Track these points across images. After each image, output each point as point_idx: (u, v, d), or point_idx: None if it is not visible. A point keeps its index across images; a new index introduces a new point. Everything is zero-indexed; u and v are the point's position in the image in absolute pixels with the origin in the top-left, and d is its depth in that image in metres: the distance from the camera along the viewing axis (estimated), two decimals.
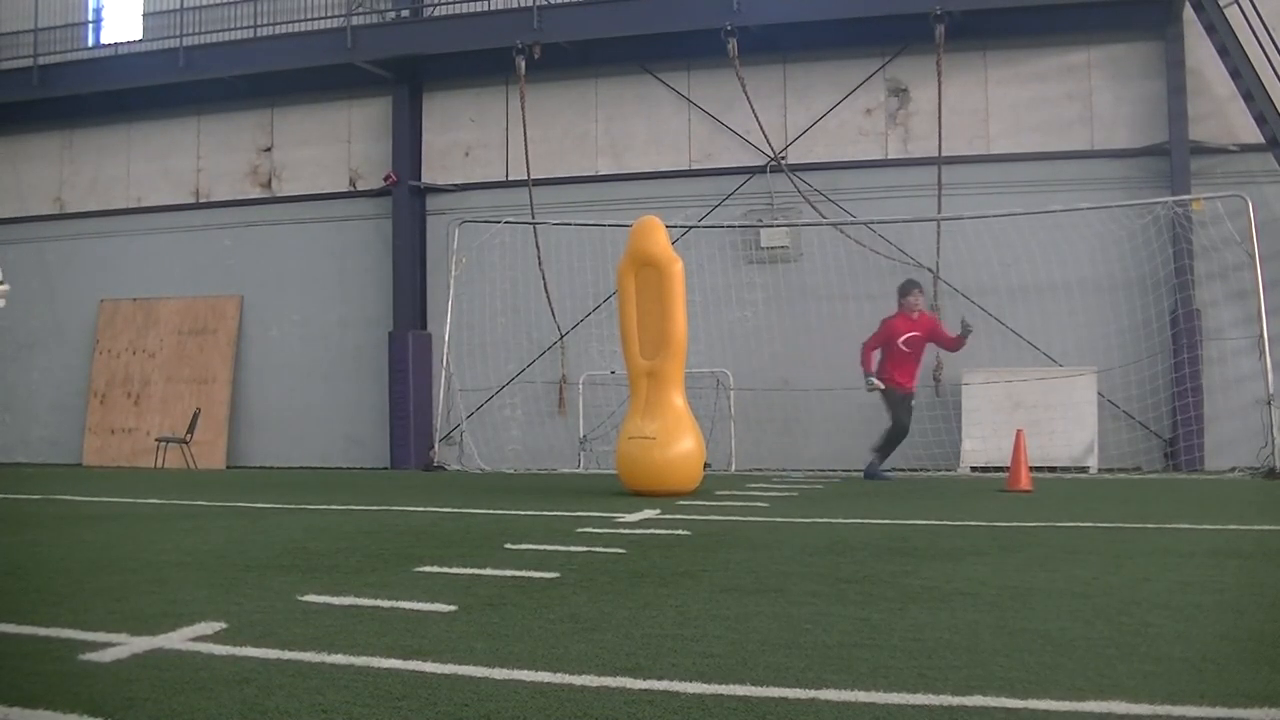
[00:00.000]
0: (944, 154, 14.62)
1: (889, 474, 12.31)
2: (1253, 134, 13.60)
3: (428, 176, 17.14)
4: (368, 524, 7.58)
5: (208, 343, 17.75)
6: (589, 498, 9.75)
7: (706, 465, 11.01)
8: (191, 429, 16.87)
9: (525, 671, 3.25)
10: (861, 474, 12.55)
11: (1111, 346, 14.00)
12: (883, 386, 12.06)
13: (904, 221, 14.59)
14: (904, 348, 12.00)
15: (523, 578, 5.02)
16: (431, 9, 17.08)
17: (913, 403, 12.35)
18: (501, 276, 16.07)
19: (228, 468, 17.06)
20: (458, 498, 10.03)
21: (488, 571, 5.21)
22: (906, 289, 12.19)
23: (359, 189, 17.45)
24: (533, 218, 15.89)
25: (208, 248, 17.94)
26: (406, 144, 16.93)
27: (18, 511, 8.90)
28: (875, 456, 12.27)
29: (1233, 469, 12.94)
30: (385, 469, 16.29)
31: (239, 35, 17.46)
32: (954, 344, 12.25)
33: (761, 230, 15.34)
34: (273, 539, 6.69)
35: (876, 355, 12.16)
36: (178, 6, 17.72)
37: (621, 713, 2.83)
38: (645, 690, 3.04)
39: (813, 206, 15.23)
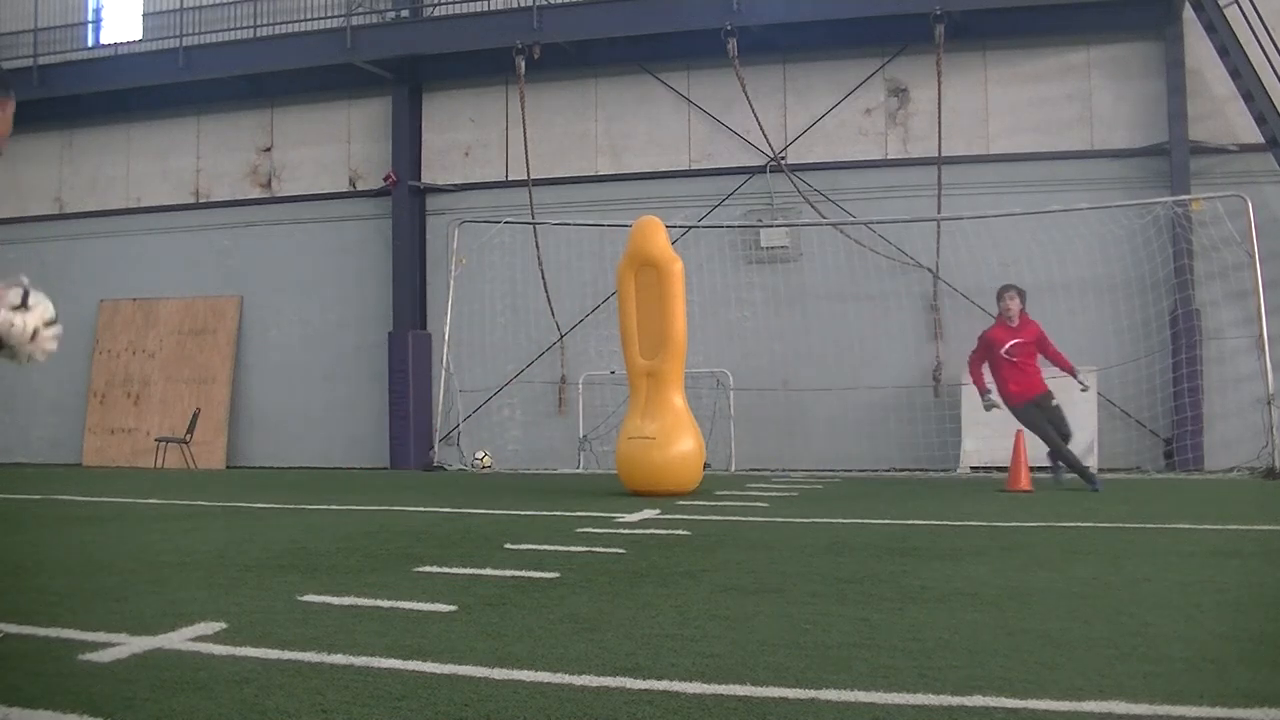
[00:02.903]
0: (944, 154, 14.61)
1: (1094, 479, 10.38)
2: (1252, 134, 13.59)
3: (427, 176, 17.14)
4: (368, 524, 7.58)
5: (207, 343, 17.74)
6: (589, 498, 9.75)
7: (706, 465, 11.02)
8: (191, 429, 16.87)
9: (525, 671, 3.25)
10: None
11: (1111, 346, 13.99)
12: (999, 405, 10.49)
13: (904, 221, 14.59)
14: (1008, 357, 10.45)
15: (523, 578, 5.02)
16: (431, 9, 17.07)
17: (1049, 404, 10.48)
18: (501, 276, 16.06)
19: (228, 468, 17.05)
20: (458, 498, 10.03)
21: (488, 571, 5.21)
22: (998, 295, 10.81)
23: (359, 189, 17.44)
24: (533, 218, 15.89)
25: (207, 248, 17.94)
26: (406, 144, 16.92)
27: (18, 511, 8.90)
28: (1076, 471, 10.53)
29: (1233, 469, 12.94)
30: (385, 469, 16.28)
31: (239, 35, 17.45)
32: (1066, 366, 10.58)
33: (761, 230, 15.33)
34: (273, 539, 6.69)
35: (986, 371, 10.72)
36: (178, 6, 17.71)
37: (621, 713, 2.83)
38: (645, 690, 3.05)
39: (813, 206, 15.23)
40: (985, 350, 10.62)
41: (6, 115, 3.70)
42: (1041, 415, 10.41)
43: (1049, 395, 10.47)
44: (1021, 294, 10.71)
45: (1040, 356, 10.62)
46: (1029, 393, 10.41)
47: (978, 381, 10.71)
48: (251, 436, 17.52)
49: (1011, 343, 10.43)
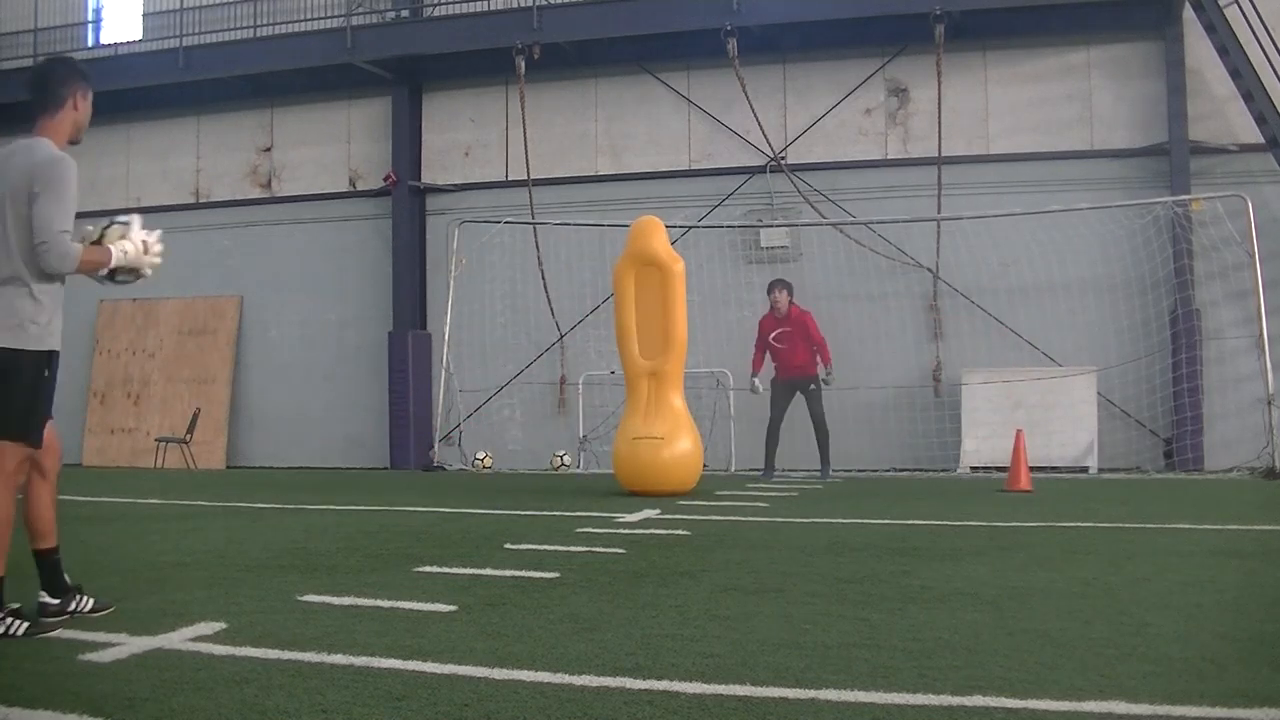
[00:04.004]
0: (944, 154, 14.60)
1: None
2: (1252, 134, 13.59)
3: (427, 176, 17.13)
4: (368, 524, 7.58)
5: (207, 343, 17.74)
6: (589, 498, 9.75)
7: (705, 465, 11.03)
8: (191, 429, 16.86)
9: (525, 671, 3.25)
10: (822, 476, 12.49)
11: (1111, 346, 13.99)
12: (759, 390, 12.49)
13: (904, 221, 14.58)
14: (776, 344, 12.34)
15: (523, 578, 5.02)
16: (431, 9, 17.07)
17: (807, 387, 12.35)
18: (501, 276, 16.06)
19: (228, 468, 17.05)
20: (458, 498, 10.03)
21: (488, 571, 5.21)
22: (768, 288, 12.54)
23: (359, 189, 17.44)
24: (533, 218, 15.88)
25: (207, 248, 17.92)
26: (406, 144, 16.92)
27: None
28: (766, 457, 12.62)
29: (1232, 469, 12.94)
30: (385, 469, 16.29)
31: (239, 35, 17.45)
32: (824, 354, 12.33)
33: (761, 230, 15.32)
34: (273, 539, 6.69)
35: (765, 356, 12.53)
36: (178, 6, 17.71)
37: (621, 713, 2.83)
38: (645, 690, 3.05)
39: (813, 206, 15.22)
40: (761, 338, 12.40)
41: (88, 104, 4.14)
42: (787, 396, 12.33)
43: (810, 380, 12.21)
44: (789, 287, 12.40)
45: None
46: (786, 373, 12.31)
47: (755, 364, 12.46)
48: (251, 436, 17.52)
49: (778, 331, 12.24)
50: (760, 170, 15.55)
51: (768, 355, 12.47)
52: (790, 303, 12.33)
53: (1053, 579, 4.95)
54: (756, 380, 12.50)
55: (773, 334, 12.30)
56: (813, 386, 12.24)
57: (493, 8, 16.35)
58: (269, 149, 17.97)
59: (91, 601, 4.21)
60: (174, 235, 19.45)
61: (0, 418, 3.93)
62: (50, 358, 4.03)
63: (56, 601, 4.12)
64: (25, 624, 3.86)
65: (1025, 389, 13.67)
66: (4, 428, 3.92)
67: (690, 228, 15.00)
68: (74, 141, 4.37)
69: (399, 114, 16.97)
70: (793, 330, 12.25)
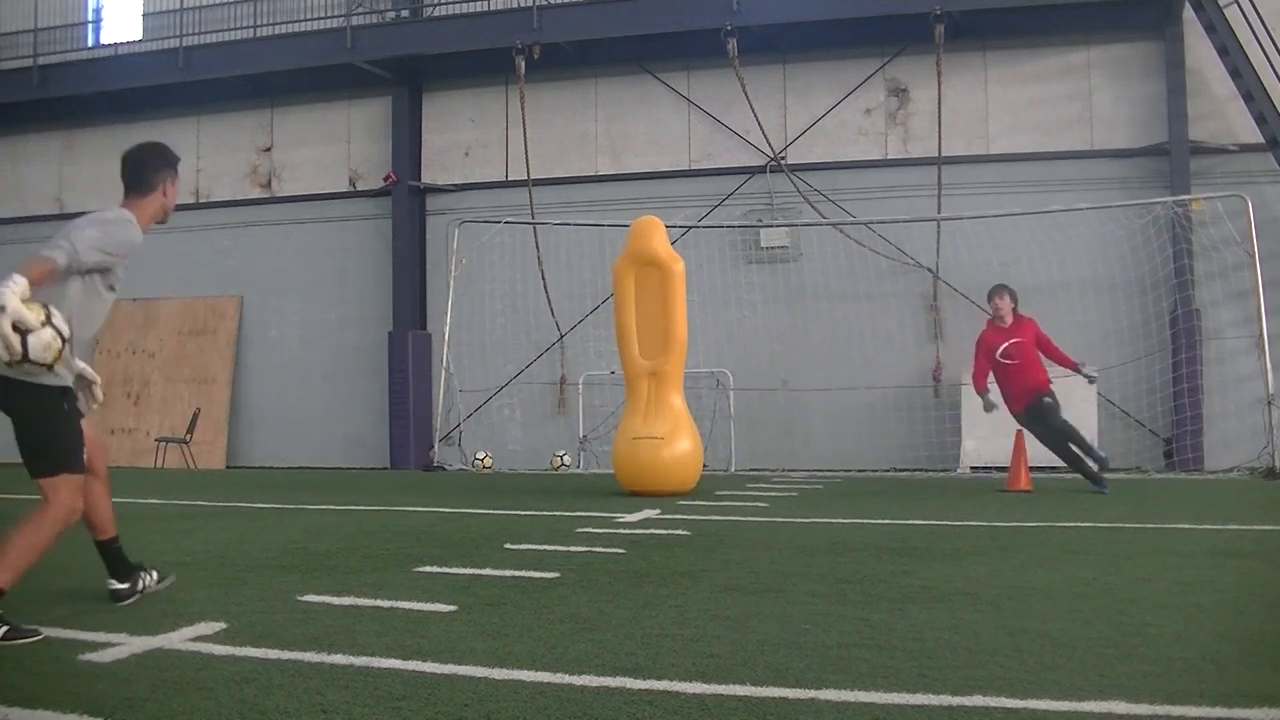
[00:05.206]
0: (944, 154, 14.60)
1: (1101, 482, 10.17)
2: (1252, 134, 13.59)
3: (427, 176, 17.13)
4: (368, 524, 7.58)
5: (207, 343, 17.74)
6: (589, 498, 9.75)
7: (705, 465, 11.04)
8: (191, 429, 16.86)
9: (525, 671, 3.25)
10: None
11: (1111, 346, 13.98)
12: (999, 405, 10.24)
13: (904, 221, 14.58)
14: (1003, 360, 10.10)
15: (523, 578, 5.02)
16: (431, 9, 17.07)
17: (1045, 402, 10.04)
18: (501, 276, 16.06)
19: (227, 468, 17.05)
20: (458, 498, 10.03)
21: (488, 571, 5.21)
22: (989, 295, 10.46)
23: (359, 189, 17.44)
24: (533, 218, 15.89)
25: (207, 248, 17.92)
26: (406, 144, 16.92)
27: (18, 512, 8.89)
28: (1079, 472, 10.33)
29: (1233, 469, 12.94)
30: (385, 469, 16.29)
31: (239, 35, 17.45)
32: (1069, 364, 10.18)
33: (761, 230, 15.33)
34: (273, 539, 6.69)
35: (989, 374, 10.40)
36: (178, 6, 17.71)
37: (621, 713, 2.83)
38: (645, 690, 3.05)
39: (812, 206, 15.22)
40: (984, 355, 10.21)
41: (176, 190, 4.25)
42: (1041, 422, 10.03)
43: (1046, 393, 9.99)
44: (1012, 293, 10.27)
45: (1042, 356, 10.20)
46: (1029, 395, 10.00)
47: (979, 386, 10.30)
48: (251, 436, 17.52)
49: (1006, 344, 10.03)
50: (760, 170, 15.55)
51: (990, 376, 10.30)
52: (1014, 310, 10.21)
53: (1053, 579, 4.95)
54: (991, 396, 10.20)
55: (1000, 349, 10.04)
56: (1047, 399, 10.00)
57: (493, 8, 16.35)
58: (269, 149, 17.97)
59: (155, 573, 4.59)
60: (173, 235, 19.36)
61: (35, 454, 4.05)
62: (65, 393, 4.20)
63: (125, 585, 4.48)
64: (5, 628, 3.80)
65: None
66: (43, 466, 4.05)
67: (690, 228, 15.00)
68: (160, 222, 4.75)
69: (399, 114, 16.97)
70: (1023, 341, 10.03)
